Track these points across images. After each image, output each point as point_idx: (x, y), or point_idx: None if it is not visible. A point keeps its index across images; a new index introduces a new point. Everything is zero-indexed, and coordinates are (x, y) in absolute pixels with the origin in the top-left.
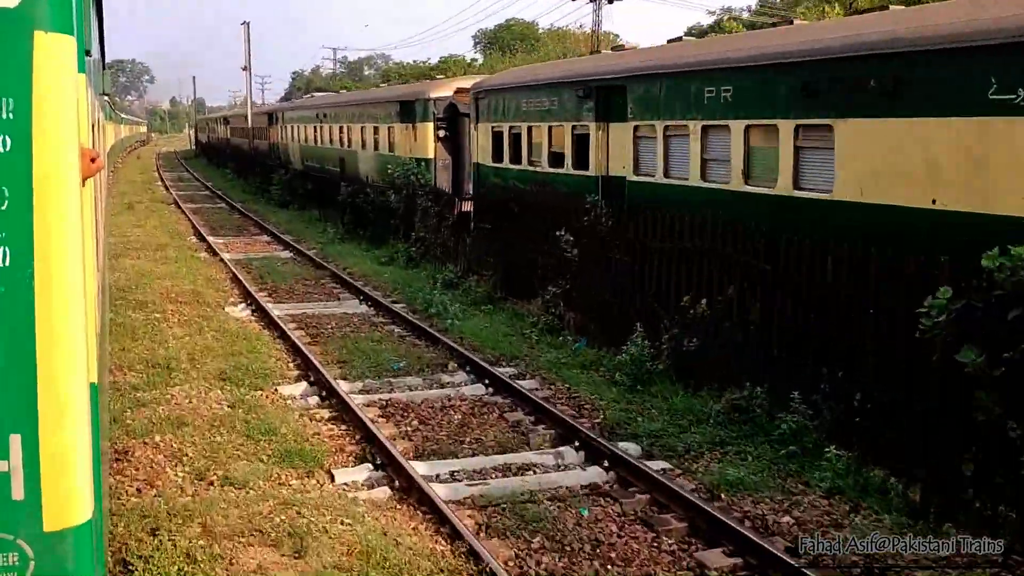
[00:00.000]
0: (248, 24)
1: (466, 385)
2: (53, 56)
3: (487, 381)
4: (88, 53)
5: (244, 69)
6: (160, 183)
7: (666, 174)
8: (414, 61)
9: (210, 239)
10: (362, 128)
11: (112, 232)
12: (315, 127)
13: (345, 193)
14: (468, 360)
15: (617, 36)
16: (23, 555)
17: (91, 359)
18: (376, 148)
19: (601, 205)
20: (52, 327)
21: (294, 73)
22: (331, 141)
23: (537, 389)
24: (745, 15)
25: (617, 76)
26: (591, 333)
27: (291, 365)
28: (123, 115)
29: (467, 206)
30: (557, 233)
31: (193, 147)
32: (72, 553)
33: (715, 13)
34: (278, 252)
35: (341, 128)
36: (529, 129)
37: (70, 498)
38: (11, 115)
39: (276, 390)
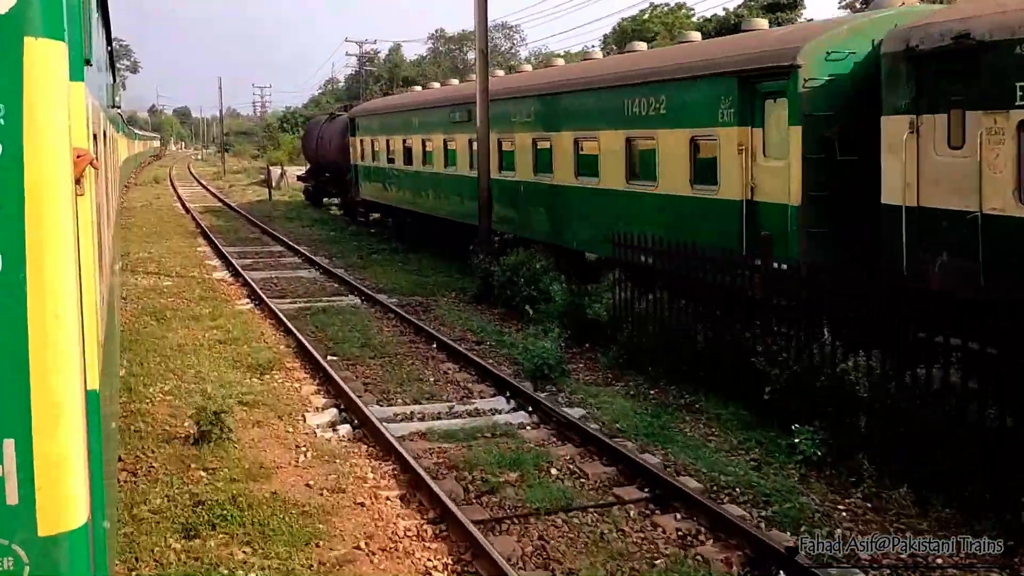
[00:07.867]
0: None
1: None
2: (44, 61)
3: None
4: (88, 63)
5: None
6: None
7: None
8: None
9: None
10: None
11: None
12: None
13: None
14: None
15: None
16: (18, 560)
17: (91, 366)
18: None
19: None
20: (45, 332)
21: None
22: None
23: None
24: None
25: None
26: None
27: None
28: (137, 131)
29: None
30: None
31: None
32: (67, 557)
33: None
34: None
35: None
36: None
37: (65, 502)
38: (2, 121)
39: None
